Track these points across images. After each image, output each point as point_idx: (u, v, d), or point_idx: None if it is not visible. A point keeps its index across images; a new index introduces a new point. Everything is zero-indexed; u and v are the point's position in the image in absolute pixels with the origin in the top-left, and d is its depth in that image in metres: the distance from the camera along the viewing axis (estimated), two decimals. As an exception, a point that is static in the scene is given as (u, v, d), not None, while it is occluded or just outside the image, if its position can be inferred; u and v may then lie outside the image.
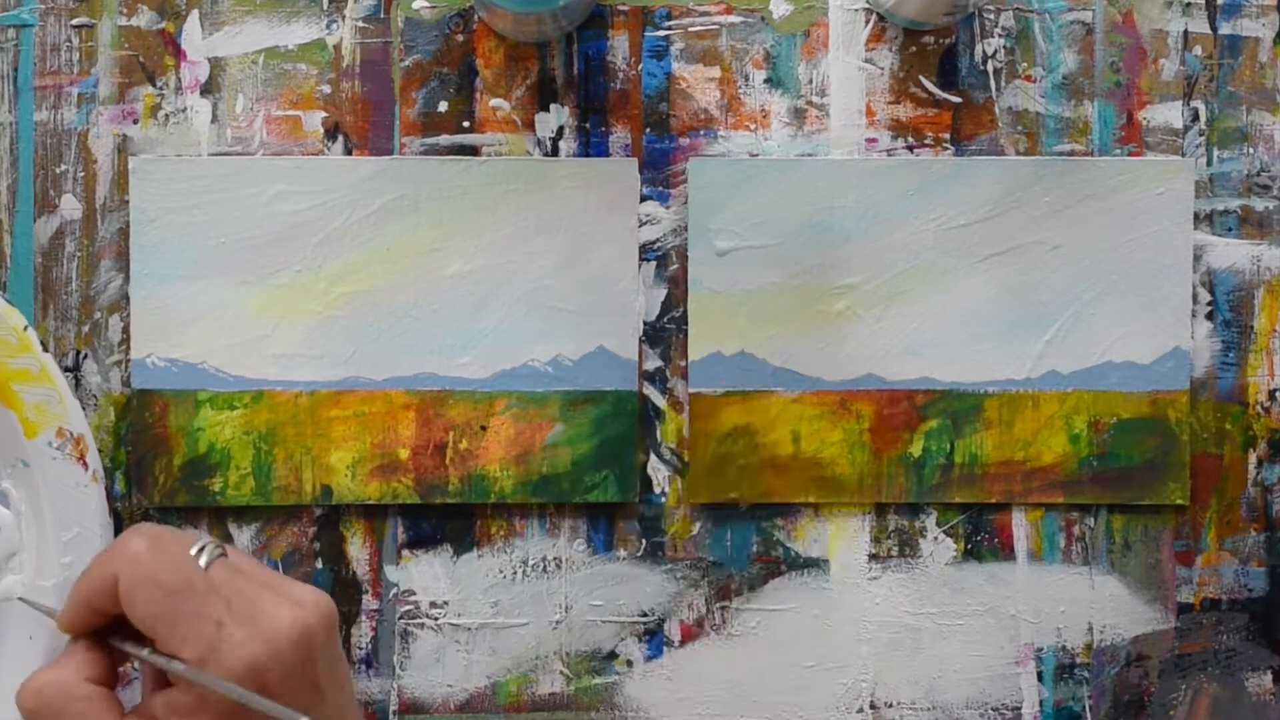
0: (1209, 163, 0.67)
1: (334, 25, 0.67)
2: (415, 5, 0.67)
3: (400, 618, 0.67)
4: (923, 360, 0.67)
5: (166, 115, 0.67)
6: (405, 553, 0.67)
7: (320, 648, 0.55)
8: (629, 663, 0.67)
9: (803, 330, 0.67)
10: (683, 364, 0.67)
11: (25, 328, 0.64)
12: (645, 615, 0.67)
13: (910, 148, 0.67)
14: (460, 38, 0.67)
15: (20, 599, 0.63)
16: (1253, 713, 0.68)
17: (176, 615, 0.53)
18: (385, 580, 0.67)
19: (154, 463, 0.66)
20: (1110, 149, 0.67)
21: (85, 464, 0.64)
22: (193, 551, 0.55)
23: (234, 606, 0.53)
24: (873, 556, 0.67)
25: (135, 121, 0.66)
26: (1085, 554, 0.68)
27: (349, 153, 0.67)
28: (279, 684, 0.53)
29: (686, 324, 0.67)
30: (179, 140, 0.67)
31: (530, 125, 0.67)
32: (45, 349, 0.64)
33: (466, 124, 0.67)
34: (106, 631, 0.55)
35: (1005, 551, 0.68)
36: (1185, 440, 0.67)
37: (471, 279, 0.66)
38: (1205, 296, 0.67)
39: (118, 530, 0.65)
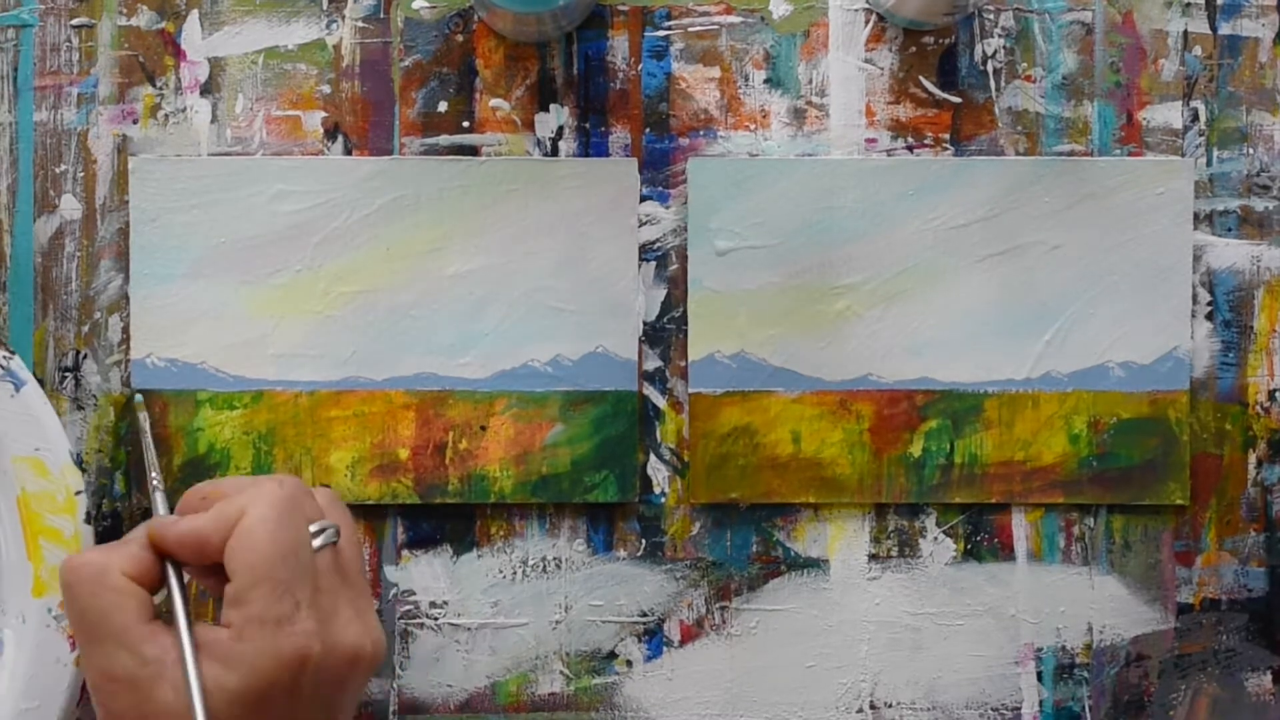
0: (1209, 163, 0.67)
1: (334, 25, 0.67)
2: (415, 5, 0.67)
3: (400, 618, 0.67)
4: (922, 360, 0.67)
5: (166, 115, 0.67)
6: (405, 553, 0.67)
7: (355, 681, 0.54)
8: (629, 663, 0.67)
9: (802, 330, 0.67)
10: (682, 364, 0.67)
11: (78, 493, 0.63)
12: (645, 615, 0.67)
13: (910, 148, 0.67)
14: (460, 38, 0.67)
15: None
16: (1253, 713, 0.68)
17: (271, 574, 0.51)
18: (385, 580, 0.67)
19: (154, 463, 0.66)
20: (1110, 149, 0.67)
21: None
22: (312, 529, 0.54)
23: (318, 600, 0.52)
24: (873, 556, 0.67)
25: (135, 121, 0.66)
26: (1085, 554, 0.68)
27: (349, 153, 0.67)
28: (310, 689, 0.52)
29: (686, 324, 0.67)
30: (179, 140, 0.67)
31: (530, 125, 0.67)
32: (81, 467, 0.64)
33: (466, 124, 0.67)
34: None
35: (1005, 552, 0.68)
36: (1185, 440, 0.67)
37: (471, 279, 0.66)
38: (1205, 296, 0.67)
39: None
